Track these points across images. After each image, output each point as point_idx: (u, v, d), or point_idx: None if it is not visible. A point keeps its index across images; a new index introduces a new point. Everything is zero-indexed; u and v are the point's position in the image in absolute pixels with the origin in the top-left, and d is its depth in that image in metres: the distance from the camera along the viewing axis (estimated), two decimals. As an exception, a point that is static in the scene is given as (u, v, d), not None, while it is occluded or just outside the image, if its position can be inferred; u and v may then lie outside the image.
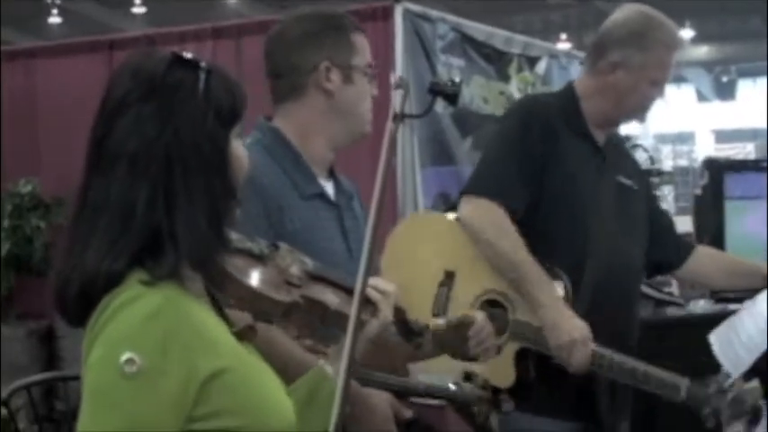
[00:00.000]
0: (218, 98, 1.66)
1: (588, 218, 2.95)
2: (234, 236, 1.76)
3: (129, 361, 1.52)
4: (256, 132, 2.47)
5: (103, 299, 1.58)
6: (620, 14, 3.09)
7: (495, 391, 2.42)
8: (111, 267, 1.58)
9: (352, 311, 1.68)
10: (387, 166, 1.71)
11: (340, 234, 2.46)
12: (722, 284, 3.43)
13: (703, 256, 3.30)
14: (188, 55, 1.67)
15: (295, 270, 1.85)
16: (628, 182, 3.12)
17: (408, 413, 2.38)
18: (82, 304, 1.61)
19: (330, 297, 1.88)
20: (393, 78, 5.48)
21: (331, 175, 2.50)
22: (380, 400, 2.32)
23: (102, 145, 1.63)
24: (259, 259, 1.79)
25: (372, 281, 1.91)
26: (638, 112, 3.12)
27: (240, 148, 1.71)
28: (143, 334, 1.55)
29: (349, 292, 1.87)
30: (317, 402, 1.74)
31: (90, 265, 1.59)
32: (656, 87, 3.05)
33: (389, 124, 1.75)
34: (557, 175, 2.94)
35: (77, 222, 1.64)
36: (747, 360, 2.95)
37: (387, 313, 1.92)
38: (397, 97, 1.79)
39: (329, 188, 2.48)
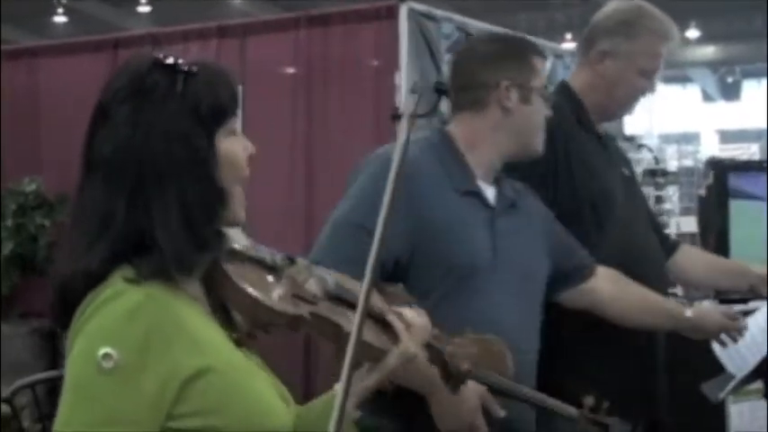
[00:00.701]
0: (197, 98, 1.64)
1: (614, 211, 2.97)
2: (246, 243, 1.74)
3: (107, 356, 1.53)
4: (427, 132, 2.70)
5: (87, 296, 1.59)
6: (610, 6, 3.11)
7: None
8: (86, 267, 1.59)
9: (355, 326, 1.63)
10: (399, 170, 1.67)
11: (488, 233, 2.59)
12: (707, 282, 3.39)
13: (690, 253, 3.33)
14: (170, 59, 1.66)
15: (311, 287, 1.80)
16: (627, 172, 3.15)
17: (501, 412, 2.44)
18: (61, 307, 1.62)
19: (347, 319, 1.80)
20: (397, 78, 5.47)
21: (496, 182, 2.68)
22: (469, 390, 2.39)
23: (87, 150, 1.65)
24: (270, 270, 1.76)
25: (402, 309, 1.90)
26: (628, 104, 3.10)
27: (234, 145, 1.69)
28: (122, 330, 1.55)
29: (373, 316, 1.83)
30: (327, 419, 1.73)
31: (66, 267, 1.61)
32: (644, 78, 3.05)
33: (404, 124, 1.75)
34: (576, 174, 2.94)
35: (70, 227, 1.67)
36: (751, 360, 2.95)
37: (408, 345, 1.84)
38: (410, 102, 1.81)
39: (489, 192, 2.65)
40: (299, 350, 4.95)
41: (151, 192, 1.61)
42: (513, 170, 2.93)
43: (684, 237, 5.48)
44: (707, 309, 2.93)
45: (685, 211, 6.87)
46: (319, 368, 4.99)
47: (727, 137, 24.41)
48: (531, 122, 2.66)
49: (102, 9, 18.42)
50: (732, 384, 2.97)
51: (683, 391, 3.14)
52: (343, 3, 5.77)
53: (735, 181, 4.54)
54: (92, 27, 14.58)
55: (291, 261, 1.81)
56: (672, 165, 9.58)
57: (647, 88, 3.07)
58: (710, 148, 21.53)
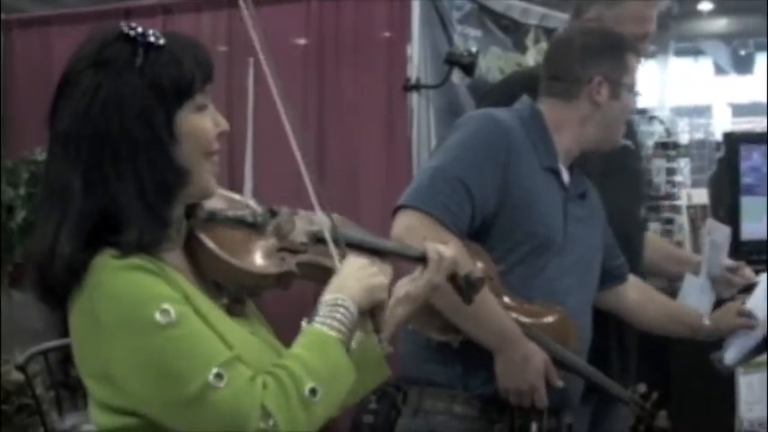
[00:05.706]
0: (158, 74, 1.60)
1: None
2: (225, 204, 1.72)
3: (164, 312, 1.51)
4: (519, 105, 2.76)
5: (83, 283, 1.57)
6: None
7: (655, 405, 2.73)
8: (62, 255, 1.56)
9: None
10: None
11: (561, 214, 2.67)
12: (654, 267, 3.35)
13: (652, 241, 3.37)
14: (135, 29, 1.63)
15: (298, 235, 1.78)
16: (624, 141, 3.15)
17: (560, 383, 2.53)
18: (41, 289, 1.61)
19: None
20: (410, 50, 5.44)
21: (570, 169, 2.74)
22: (537, 354, 2.51)
23: (50, 120, 1.62)
24: (251, 227, 1.73)
25: (435, 244, 1.96)
26: None
27: (201, 121, 1.65)
28: (151, 286, 1.54)
29: (370, 251, 1.86)
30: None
31: (39, 248, 1.59)
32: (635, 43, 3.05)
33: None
34: None
35: (39, 202, 1.64)
36: (754, 333, 2.96)
37: (434, 276, 1.90)
38: None
39: (565, 176, 2.71)
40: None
41: (108, 168, 1.57)
42: None
43: (696, 208, 5.48)
44: (722, 314, 2.99)
45: (696, 184, 6.86)
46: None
47: (739, 110, 24.27)
48: (616, 117, 2.73)
49: (113, -21, 18.33)
50: (741, 355, 2.98)
51: (694, 363, 3.16)
52: (354, -27, 5.74)
53: (747, 153, 4.52)
54: (103, -3, 14.53)
55: (273, 213, 1.78)
56: (683, 137, 9.54)
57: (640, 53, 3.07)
58: (723, 121, 21.43)
